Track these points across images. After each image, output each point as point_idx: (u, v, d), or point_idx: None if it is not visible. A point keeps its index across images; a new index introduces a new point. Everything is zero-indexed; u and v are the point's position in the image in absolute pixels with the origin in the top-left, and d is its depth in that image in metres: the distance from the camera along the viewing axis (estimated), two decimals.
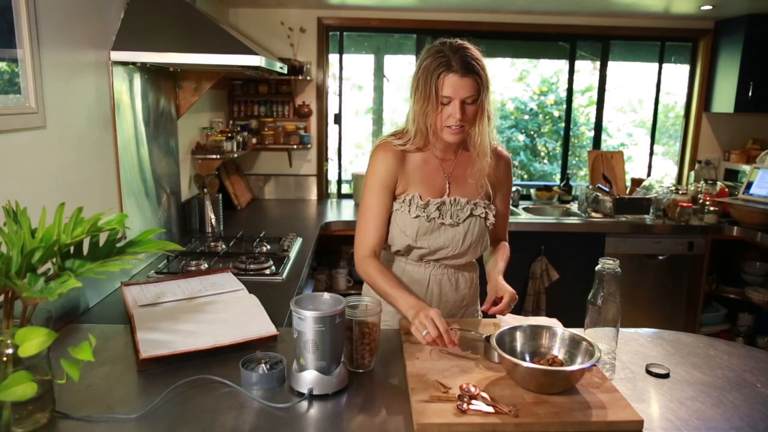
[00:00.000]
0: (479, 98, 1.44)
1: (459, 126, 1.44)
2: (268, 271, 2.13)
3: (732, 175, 3.86)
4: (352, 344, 1.25)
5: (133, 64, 2.05)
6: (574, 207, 3.84)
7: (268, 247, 2.53)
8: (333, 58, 3.88)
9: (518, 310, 3.34)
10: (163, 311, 1.53)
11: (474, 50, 1.45)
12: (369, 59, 4.05)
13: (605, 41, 3.93)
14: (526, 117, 4.44)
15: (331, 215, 3.44)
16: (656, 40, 3.96)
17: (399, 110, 4.16)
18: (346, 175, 4.08)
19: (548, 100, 4.38)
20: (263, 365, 1.21)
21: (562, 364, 1.20)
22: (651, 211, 3.47)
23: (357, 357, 1.26)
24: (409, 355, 1.32)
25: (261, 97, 3.79)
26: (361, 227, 1.57)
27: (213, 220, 2.86)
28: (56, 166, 1.61)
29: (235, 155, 3.18)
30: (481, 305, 1.60)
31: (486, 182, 1.58)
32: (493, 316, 1.50)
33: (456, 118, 1.42)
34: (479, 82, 1.42)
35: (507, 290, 1.52)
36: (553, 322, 1.40)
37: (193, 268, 2.11)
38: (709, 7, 3.36)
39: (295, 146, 3.78)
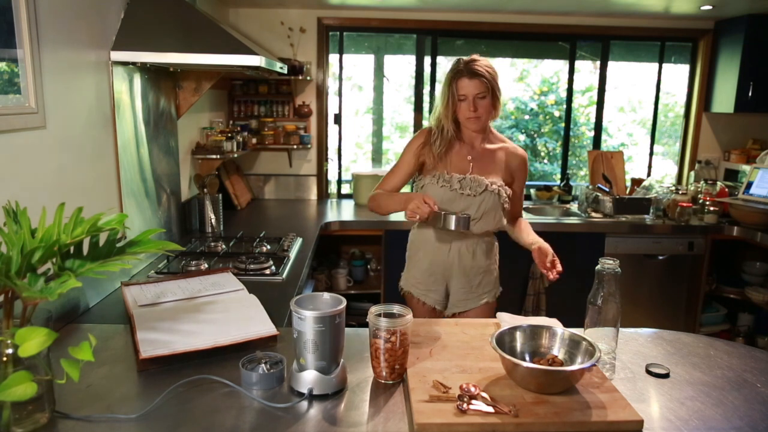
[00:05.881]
0: (489, 94, 1.88)
1: (476, 117, 1.90)
2: (268, 271, 2.13)
3: (732, 175, 3.86)
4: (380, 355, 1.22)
5: (133, 64, 2.05)
6: (574, 207, 3.84)
7: (268, 247, 2.53)
8: (333, 58, 3.88)
9: (518, 310, 3.34)
10: (163, 311, 1.53)
11: (482, 61, 1.90)
12: (369, 59, 4.04)
13: (605, 41, 3.92)
14: (527, 117, 4.44)
15: (331, 215, 3.44)
16: (656, 40, 3.96)
17: (399, 110, 4.16)
18: (346, 175, 4.08)
19: (548, 100, 4.38)
20: (263, 365, 1.21)
21: (562, 364, 1.20)
22: (651, 211, 3.47)
23: (380, 367, 1.23)
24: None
25: (261, 97, 3.79)
26: (387, 177, 2.07)
27: (213, 220, 2.86)
28: (56, 166, 1.61)
29: (235, 155, 3.18)
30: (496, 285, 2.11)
31: (503, 169, 2.02)
32: (496, 307, 1.85)
33: (470, 110, 1.89)
34: (486, 82, 1.87)
35: (548, 249, 1.93)
36: (553, 322, 1.40)
37: (193, 268, 2.11)
38: (709, 7, 3.36)
39: (295, 146, 3.78)
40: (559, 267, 1.88)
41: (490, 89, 1.88)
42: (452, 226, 1.74)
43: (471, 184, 1.95)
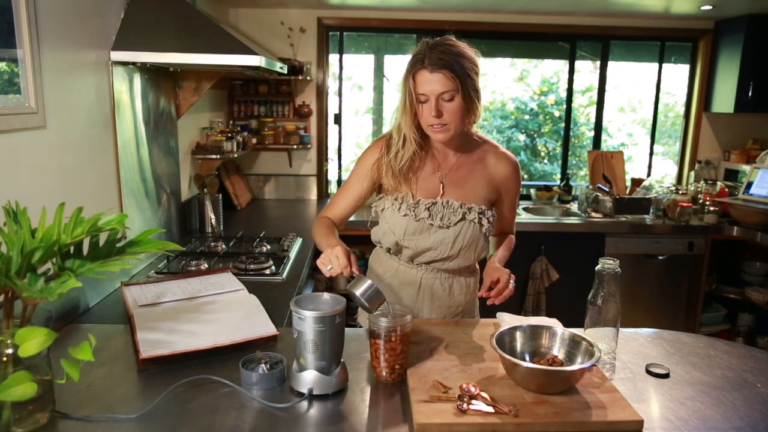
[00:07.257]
0: (459, 94, 1.39)
1: (440, 125, 1.42)
2: (268, 271, 2.13)
3: (732, 175, 3.86)
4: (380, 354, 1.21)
5: (133, 64, 2.05)
6: (574, 207, 3.84)
7: (268, 247, 2.53)
8: (333, 58, 3.88)
9: (518, 310, 3.34)
10: (163, 311, 1.53)
11: (455, 45, 1.40)
12: (369, 59, 4.05)
13: (605, 41, 3.92)
14: (527, 117, 4.44)
15: None
16: (656, 40, 3.96)
17: None
18: (346, 175, 4.06)
19: (548, 100, 4.38)
20: (263, 365, 1.21)
21: (562, 364, 1.20)
22: (651, 211, 3.47)
23: (380, 367, 1.22)
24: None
25: (261, 97, 3.79)
26: (335, 198, 1.66)
27: (213, 220, 2.86)
28: (56, 166, 1.61)
29: (235, 155, 3.18)
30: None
31: (485, 186, 1.57)
32: (494, 305, 1.43)
33: (433, 115, 1.40)
34: (454, 77, 1.36)
35: (502, 271, 1.42)
36: (553, 322, 1.40)
37: (193, 268, 2.11)
38: (709, 7, 3.36)
39: (295, 146, 3.78)
40: (499, 298, 1.38)
41: (461, 87, 1.38)
42: (357, 292, 1.26)
43: (443, 211, 1.52)
